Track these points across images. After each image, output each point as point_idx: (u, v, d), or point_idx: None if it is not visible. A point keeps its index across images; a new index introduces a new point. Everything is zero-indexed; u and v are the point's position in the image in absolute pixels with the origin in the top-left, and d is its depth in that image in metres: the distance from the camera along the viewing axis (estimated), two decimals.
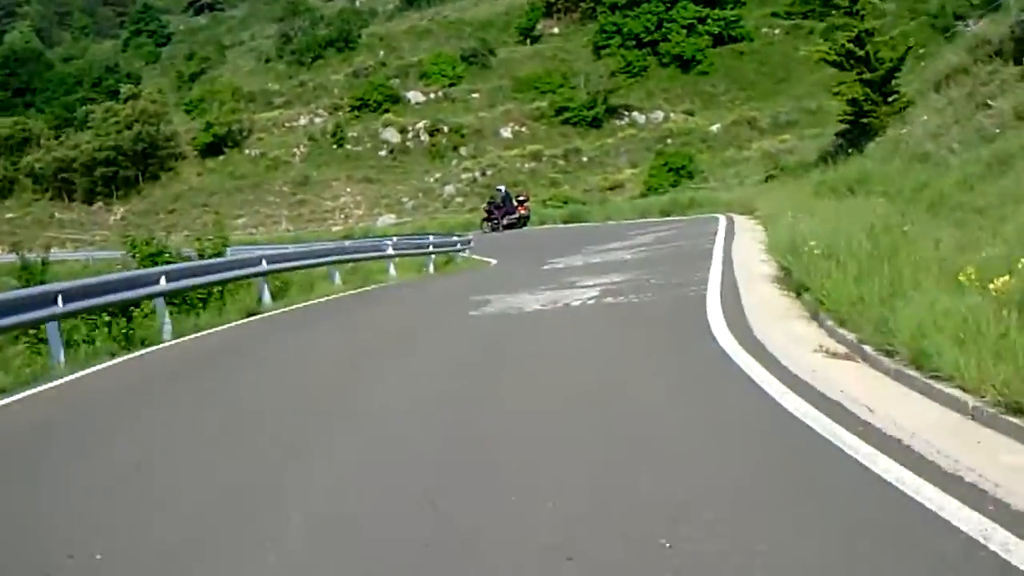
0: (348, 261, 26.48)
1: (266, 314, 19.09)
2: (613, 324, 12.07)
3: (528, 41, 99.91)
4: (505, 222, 53.63)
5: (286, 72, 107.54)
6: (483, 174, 75.74)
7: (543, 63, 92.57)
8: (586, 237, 35.60)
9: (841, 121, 31.59)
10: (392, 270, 27.99)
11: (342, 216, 77.08)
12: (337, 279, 24.49)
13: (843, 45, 29.52)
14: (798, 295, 11.89)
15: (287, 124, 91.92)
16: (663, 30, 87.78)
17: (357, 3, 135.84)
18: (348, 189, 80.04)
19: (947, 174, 20.66)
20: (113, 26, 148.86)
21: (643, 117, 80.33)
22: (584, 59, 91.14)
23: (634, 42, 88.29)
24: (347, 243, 36.01)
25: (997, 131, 20.49)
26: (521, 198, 55.27)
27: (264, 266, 20.47)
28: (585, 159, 75.33)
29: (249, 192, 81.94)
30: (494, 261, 34.76)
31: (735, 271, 15.22)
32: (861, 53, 29.13)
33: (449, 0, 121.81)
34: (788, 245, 13.50)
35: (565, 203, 59.49)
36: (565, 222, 52.67)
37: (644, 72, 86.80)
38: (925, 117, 24.89)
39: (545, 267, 22.05)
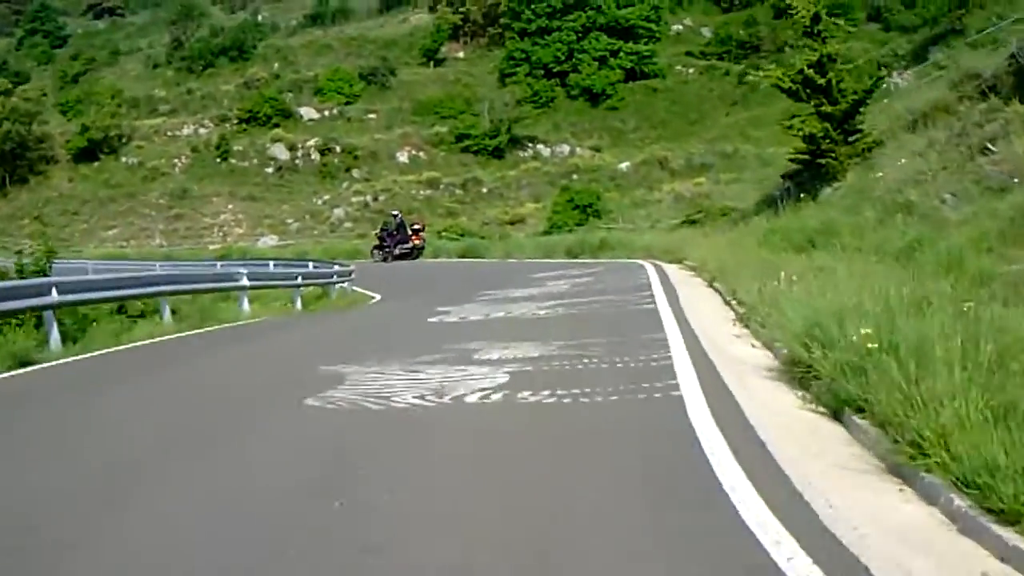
0: (181, 292, 21.02)
1: (47, 365, 13.80)
2: (538, 453, 7.08)
3: (432, 64, 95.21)
4: (397, 251, 49.00)
5: (175, 79, 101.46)
6: (375, 199, 70.70)
7: (446, 87, 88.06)
8: (484, 277, 30.85)
9: (793, 160, 27.15)
10: (246, 305, 22.75)
11: (220, 234, 71.45)
12: (167, 316, 19.17)
13: (801, 71, 25.08)
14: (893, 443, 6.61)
15: (170, 133, 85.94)
16: (573, 61, 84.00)
17: (260, 17, 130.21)
18: (229, 206, 74.33)
19: (948, 230, 16.36)
20: (9, 24, 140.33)
21: (548, 150, 76.12)
22: (489, 86, 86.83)
23: (542, 71, 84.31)
24: (183, 269, 30.60)
25: (1015, 180, 16.15)
26: (416, 227, 50.51)
27: (54, 296, 15.13)
28: (485, 190, 70.72)
29: (123, 202, 75.76)
30: (377, 297, 30.05)
31: (711, 355, 10.34)
32: (822, 82, 24.73)
33: (355, 19, 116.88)
34: (809, 329, 8.72)
35: (462, 235, 54.70)
36: (461, 256, 48.00)
37: (551, 103, 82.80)
38: (903, 160, 20.55)
39: (433, 319, 16.95)
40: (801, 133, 24.94)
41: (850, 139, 24.81)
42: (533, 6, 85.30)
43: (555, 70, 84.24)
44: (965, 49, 69.50)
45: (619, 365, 10.18)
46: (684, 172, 66.25)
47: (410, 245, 49.41)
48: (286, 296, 26.46)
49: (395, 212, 52.62)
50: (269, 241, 67.09)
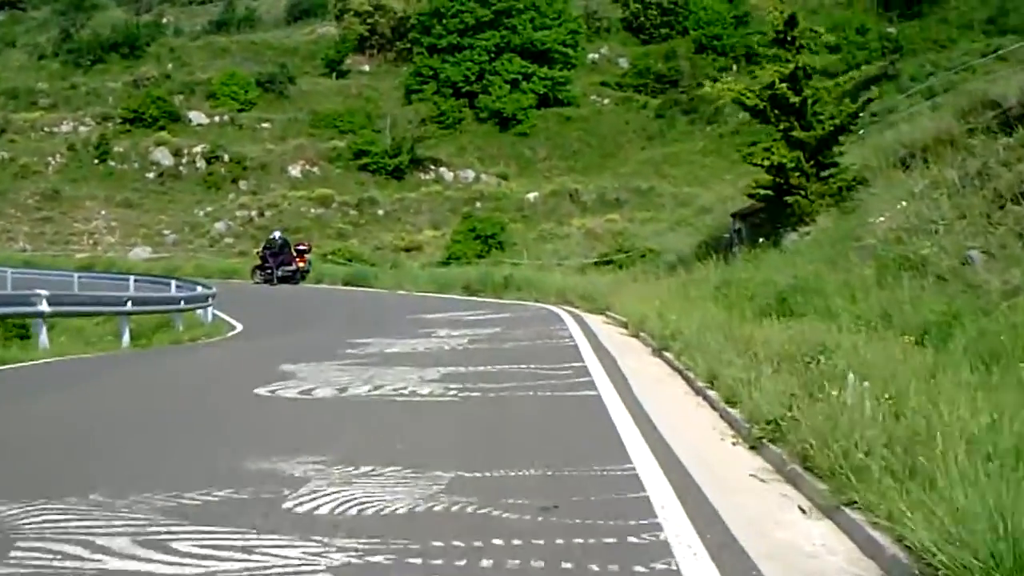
0: None
1: None
2: None
3: (334, 75, 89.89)
4: (280, 273, 43.84)
5: (60, 72, 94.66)
6: (261, 214, 65.06)
7: (347, 101, 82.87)
8: (364, 314, 25.87)
9: (753, 195, 22.44)
10: (44, 339, 17.34)
11: (90, 242, 65.15)
12: None
13: (771, 85, 20.44)
14: None
15: (47, 129, 79.29)
16: (484, 82, 79.39)
17: (164, 19, 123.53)
18: (103, 212, 67.94)
19: (988, 299, 11.92)
20: None
21: (452, 174, 71.23)
22: (394, 102, 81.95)
23: (451, 90, 79.61)
24: None
25: None
26: (301, 248, 45.48)
27: None
28: (381, 212, 65.46)
29: None
30: (238, 328, 25.63)
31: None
32: (795, 100, 20.16)
33: (261, 28, 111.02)
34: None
35: (350, 260, 49.42)
36: (346, 283, 42.74)
37: (458, 125, 78.07)
38: (903, 203, 16.01)
39: (269, 388, 11.56)
40: (767, 162, 20.24)
41: (822, 174, 20.26)
42: (444, 21, 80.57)
43: (464, 90, 79.67)
44: (896, 96, 66.63)
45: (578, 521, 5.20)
46: (596, 207, 61.83)
47: (293, 267, 44.28)
48: (114, 327, 21.05)
49: (276, 232, 47.23)
50: (142, 253, 61.06)
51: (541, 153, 76.24)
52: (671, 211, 56.37)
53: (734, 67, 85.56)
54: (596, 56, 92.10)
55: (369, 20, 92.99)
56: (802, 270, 17.10)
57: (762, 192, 21.55)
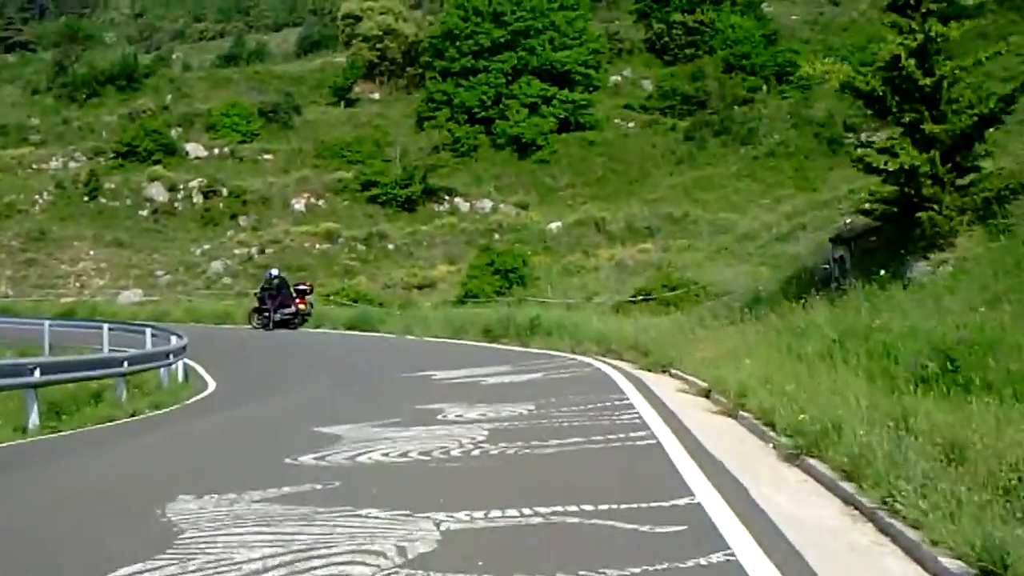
0: None
1: None
2: None
3: (343, 104, 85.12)
4: (278, 317, 38.90)
5: (54, 107, 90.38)
6: (262, 251, 60.12)
7: (356, 130, 77.83)
8: (356, 375, 20.70)
9: (869, 212, 17.03)
10: None
11: (78, 285, 60.32)
12: None
13: (895, 62, 15.10)
14: None
15: (35, 166, 75.01)
16: (501, 106, 74.38)
17: (174, 56, 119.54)
18: (92, 252, 63.19)
19: None
20: None
21: (467, 204, 66.14)
22: (405, 130, 77.06)
23: (465, 116, 74.59)
24: None
25: None
26: (302, 288, 40.36)
27: None
28: (391, 247, 60.38)
29: None
30: (209, 388, 21.08)
31: None
32: (925, 83, 14.88)
33: (270, 62, 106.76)
34: None
35: (355, 301, 44.25)
36: (349, 328, 37.65)
37: (474, 152, 73.01)
38: None
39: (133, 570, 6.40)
40: (888, 166, 14.88)
41: (960, 181, 14.94)
42: (458, 44, 75.65)
43: (480, 115, 74.60)
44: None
45: None
46: (624, 236, 56.55)
47: (292, 310, 39.19)
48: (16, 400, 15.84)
49: (272, 270, 42.00)
50: (132, 296, 56.27)
51: (563, 180, 71.05)
52: (709, 239, 51.15)
53: (764, 87, 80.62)
54: (618, 79, 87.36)
55: (379, 46, 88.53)
56: (960, 315, 11.82)
57: (880, 208, 16.15)
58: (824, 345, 12.87)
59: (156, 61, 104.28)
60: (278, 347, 31.30)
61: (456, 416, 12.66)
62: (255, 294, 41.68)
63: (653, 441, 9.76)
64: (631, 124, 77.79)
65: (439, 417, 12.65)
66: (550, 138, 73.30)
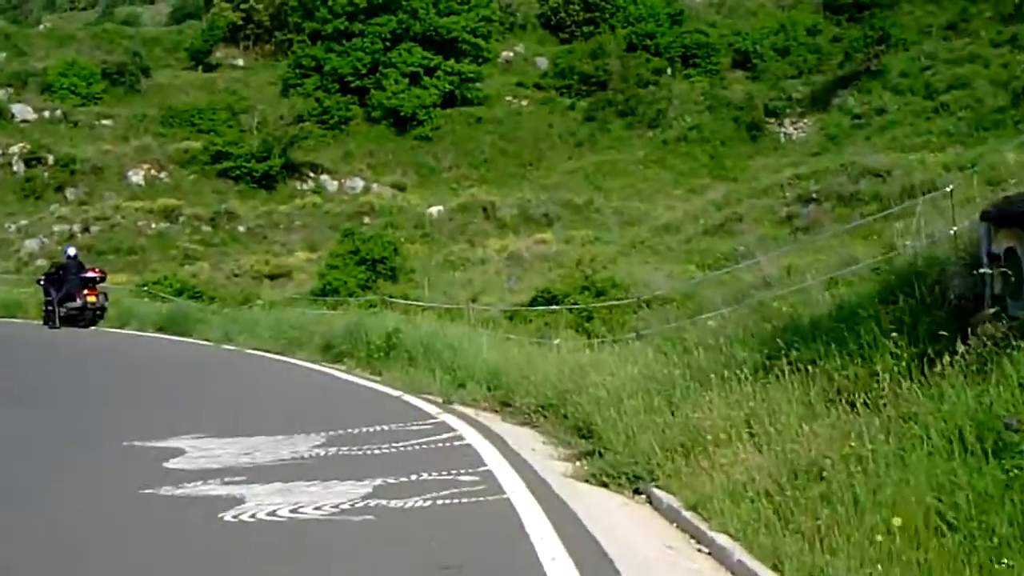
0: None
1: None
2: None
3: (201, 68, 75.36)
4: (63, 312, 29.74)
5: None
6: (86, 230, 50.46)
7: (212, 97, 68.15)
8: (67, 436, 11.64)
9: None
10: None
11: None
12: None
13: None
14: None
15: None
16: (377, 75, 65.70)
17: (41, 27, 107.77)
18: None
19: None
20: None
21: (335, 183, 57.57)
22: (269, 99, 67.58)
23: (337, 85, 65.95)
24: None
25: None
26: (91, 275, 30.74)
27: None
28: (242, 229, 51.39)
29: None
30: None
31: None
32: None
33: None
34: None
35: (180, 293, 35.21)
36: (160, 328, 28.69)
37: (345, 125, 64.67)
38: None
39: None
40: None
41: None
42: (330, 3, 66.62)
43: (353, 85, 66.20)
44: (886, 92, 54.68)
45: None
46: (517, 224, 48.55)
47: (79, 304, 29.83)
48: None
49: (70, 249, 32.66)
50: None
51: (446, 160, 63.31)
52: (620, 230, 43.31)
53: (669, 69, 73.25)
54: (510, 55, 79.32)
55: (243, 6, 78.89)
56: None
57: None
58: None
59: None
60: (39, 360, 22.12)
61: None
62: (38, 281, 32.38)
63: None
64: (524, 102, 69.70)
65: None
66: (432, 113, 65.56)
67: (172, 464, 9.34)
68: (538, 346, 15.07)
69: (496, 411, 12.09)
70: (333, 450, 9.87)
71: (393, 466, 8.82)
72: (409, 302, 25.09)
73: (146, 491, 8.10)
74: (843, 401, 7.60)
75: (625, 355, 11.45)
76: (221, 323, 26.79)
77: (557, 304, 23.28)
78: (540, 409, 10.97)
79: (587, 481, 8.27)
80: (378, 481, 8.16)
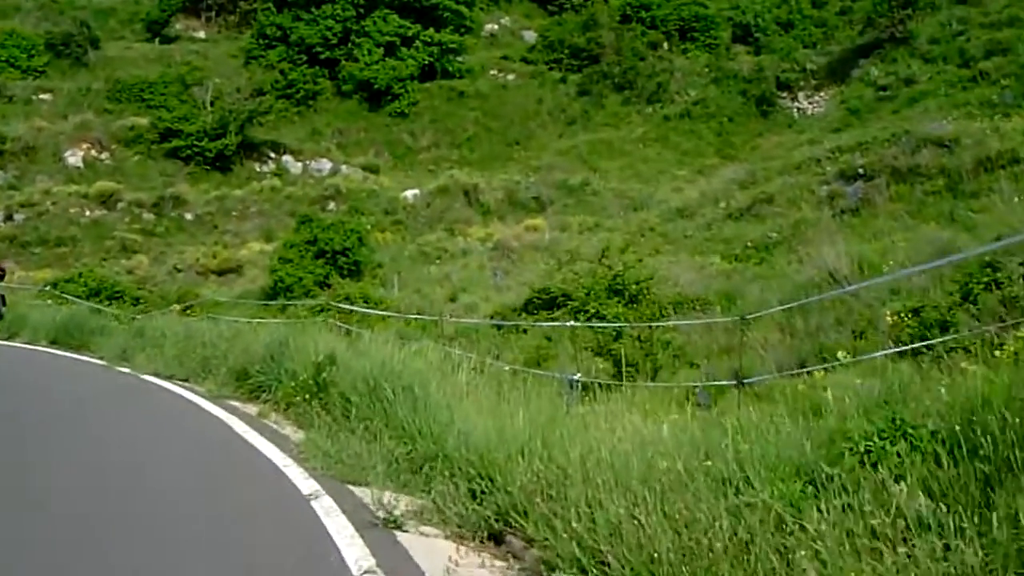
0: None
1: None
2: None
3: (157, 40, 68.93)
4: None
5: None
6: (10, 218, 44.35)
7: (167, 70, 61.74)
8: None
9: None
10: None
11: None
12: None
13: None
14: None
15: None
16: (348, 46, 59.74)
17: None
18: None
19: None
20: None
21: (299, 164, 51.52)
22: (229, 73, 61.26)
23: (304, 56, 59.99)
24: None
25: None
26: None
27: None
28: (190, 216, 45.37)
29: None
30: None
31: None
32: None
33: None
34: None
35: (95, 294, 29.13)
36: (53, 341, 22.60)
37: (313, 100, 58.85)
38: None
39: None
40: None
41: None
42: None
43: (322, 56, 60.68)
44: (914, 61, 48.72)
45: None
46: (503, 210, 42.60)
47: None
48: None
49: None
50: None
51: (424, 139, 58.22)
52: (624, 215, 37.29)
53: (666, 43, 67.14)
54: (494, 28, 73.39)
55: None
56: None
57: None
58: None
59: None
60: None
61: None
62: None
63: None
64: (511, 76, 63.54)
65: None
66: (409, 86, 60.41)
67: None
68: (559, 396, 8.94)
69: (494, 555, 5.83)
70: None
71: None
72: (366, 309, 18.89)
73: None
74: None
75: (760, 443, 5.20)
76: (123, 336, 20.61)
77: (558, 307, 17.15)
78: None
79: None
80: None
